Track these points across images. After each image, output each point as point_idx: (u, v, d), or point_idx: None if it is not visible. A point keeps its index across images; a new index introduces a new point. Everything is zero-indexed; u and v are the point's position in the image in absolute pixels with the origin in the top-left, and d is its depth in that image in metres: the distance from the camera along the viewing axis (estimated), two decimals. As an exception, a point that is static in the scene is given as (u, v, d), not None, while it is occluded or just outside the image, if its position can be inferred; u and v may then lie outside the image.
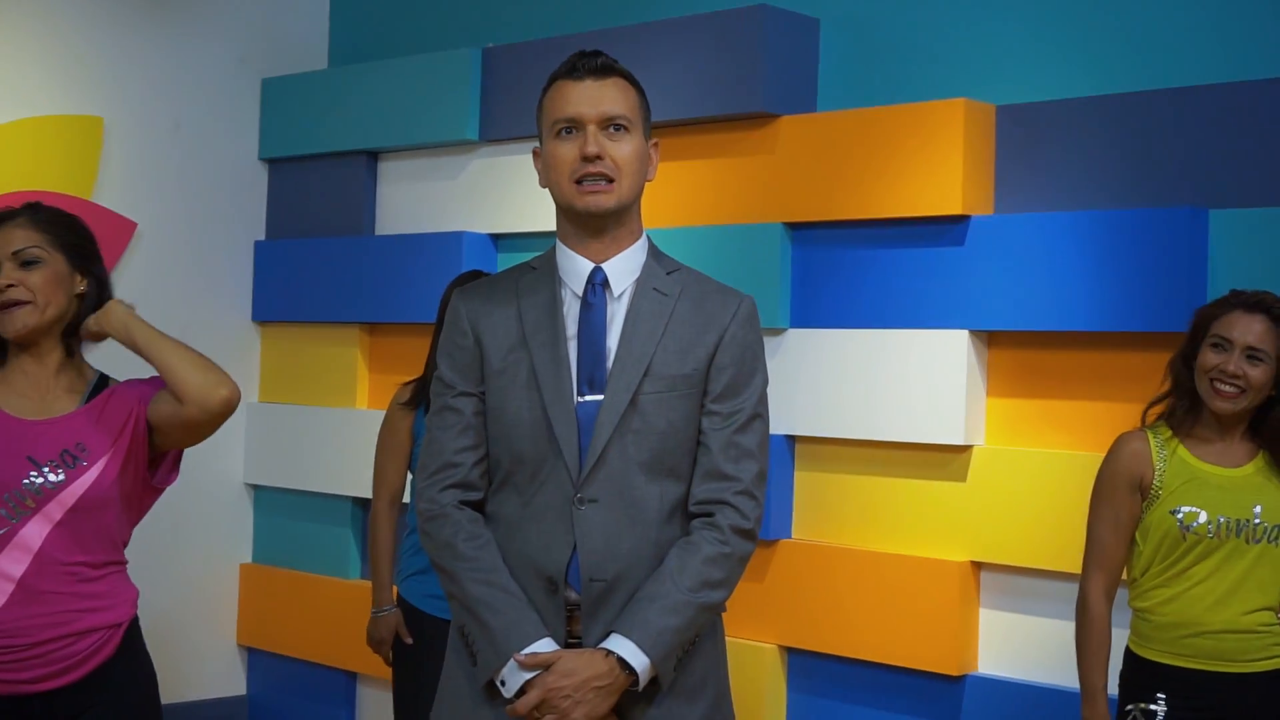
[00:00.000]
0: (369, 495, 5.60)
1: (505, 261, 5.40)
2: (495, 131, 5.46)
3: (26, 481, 2.66)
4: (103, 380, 2.83)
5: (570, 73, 2.45)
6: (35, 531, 2.66)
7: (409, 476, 4.11)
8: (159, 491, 2.89)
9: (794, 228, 4.70)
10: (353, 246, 5.91)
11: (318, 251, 6.04)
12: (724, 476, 2.43)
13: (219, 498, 6.23)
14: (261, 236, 6.36)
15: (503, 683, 2.38)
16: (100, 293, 2.79)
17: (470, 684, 2.46)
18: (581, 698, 2.32)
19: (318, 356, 6.11)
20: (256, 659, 6.29)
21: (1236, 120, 3.88)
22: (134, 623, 2.81)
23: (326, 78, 6.15)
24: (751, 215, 4.73)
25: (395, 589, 4.13)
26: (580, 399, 2.43)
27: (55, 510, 2.67)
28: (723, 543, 2.41)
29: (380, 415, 5.42)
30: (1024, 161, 4.33)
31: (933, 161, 4.37)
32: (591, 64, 2.44)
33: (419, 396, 4.04)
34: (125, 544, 2.84)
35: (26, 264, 2.67)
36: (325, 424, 5.95)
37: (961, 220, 4.33)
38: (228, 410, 2.82)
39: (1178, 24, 4.09)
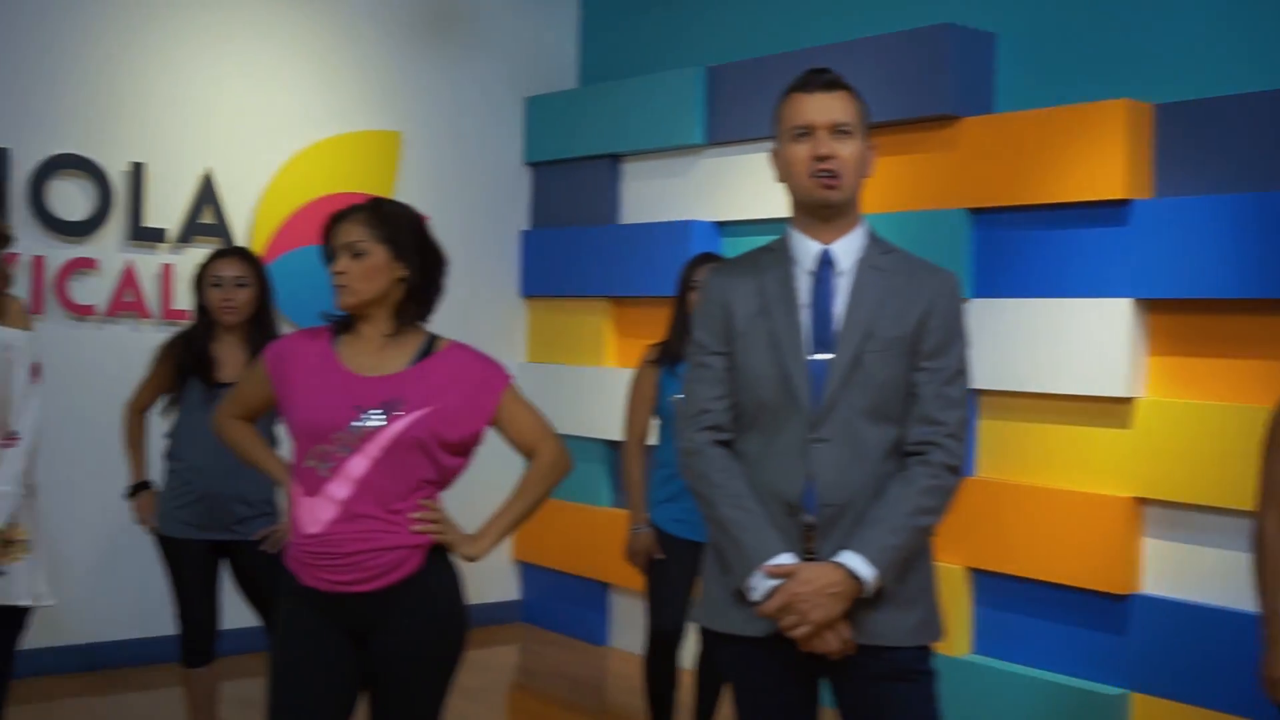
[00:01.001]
0: (617, 438, 5.77)
1: (727, 244, 5.49)
2: (718, 136, 5.52)
3: (354, 424, 2.66)
4: (431, 342, 2.79)
5: (803, 86, 2.48)
6: (358, 465, 2.67)
7: (654, 422, 4.19)
8: (460, 459, 2.79)
9: (975, 213, 4.71)
10: (601, 234, 6.01)
11: (572, 238, 6.17)
12: (934, 421, 2.43)
13: (498, 443, 6.32)
14: (526, 227, 6.51)
15: (750, 588, 2.40)
16: (423, 277, 2.75)
17: (723, 590, 2.49)
18: (818, 602, 2.34)
19: (573, 324, 6.24)
20: (528, 570, 6.48)
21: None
22: (437, 547, 2.75)
23: (578, 95, 6.28)
24: (938, 202, 4.76)
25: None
26: (811, 357, 2.44)
27: (373, 449, 2.67)
28: (934, 476, 2.42)
29: (625, 372, 5.53)
30: (1179, 151, 4.27)
31: (1098, 154, 4.34)
32: (821, 79, 2.47)
33: (663, 356, 4.12)
34: (440, 483, 2.77)
35: (355, 255, 2.67)
36: (580, 380, 6.07)
37: (1124, 204, 4.30)
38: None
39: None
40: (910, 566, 2.44)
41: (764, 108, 5.13)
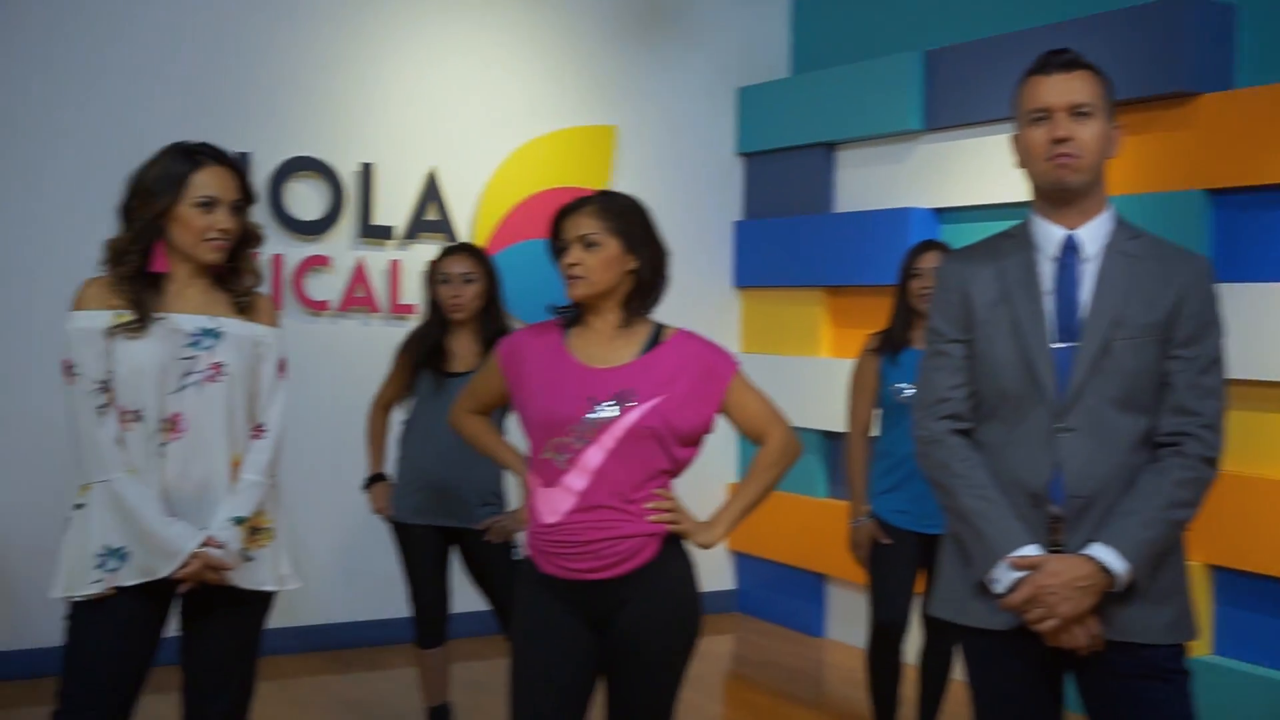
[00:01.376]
0: (832, 428, 5.72)
1: (946, 231, 5.35)
2: (936, 121, 5.40)
3: (589, 416, 2.68)
4: (658, 331, 2.80)
5: (1041, 69, 2.41)
6: (594, 456, 2.68)
7: (875, 412, 4.11)
8: (691, 449, 2.79)
9: (1214, 194, 4.48)
10: (815, 223, 5.95)
11: (786, 228, 6.12)
12: (1189, 412, 2.36)
13: (709, 437, 6.32)
14: (739, 217, 6.49)
15: (994, 581, 2.36)
16: (652, 269, 2.76)
17: (963, 582, 2.46)
18: (1067, 595, 2.29)
19: (788, 314, 6.19)
20: (744, 560, 6.47)
21: None
22: (671, 535, 2.76)
23: (791, 84, 6.22)
24: (1174, 184, 4.55)
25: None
26: (1056, 345, 2.39)
27: (608, 440, 2.68)
28: (1190, 469, 2.35)
29: (841, 362, 5.46)
30: None
31: None
32: (1058, 60, 2.40)
33: (884, 345, 4.05)
34: (673, 472, 2.77)
35: (588, 246, 2.69)
36: (795, 370, 6.01)
37: None
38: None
39: None
40: (1163, 562, 2.37)
41: (984, 91, 5.03)
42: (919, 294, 3.90)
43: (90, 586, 2.70)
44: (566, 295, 2.75)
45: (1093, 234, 2.42)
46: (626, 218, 2.73)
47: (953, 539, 2.50)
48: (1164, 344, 2.38)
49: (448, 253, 4.01)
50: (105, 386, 2.73)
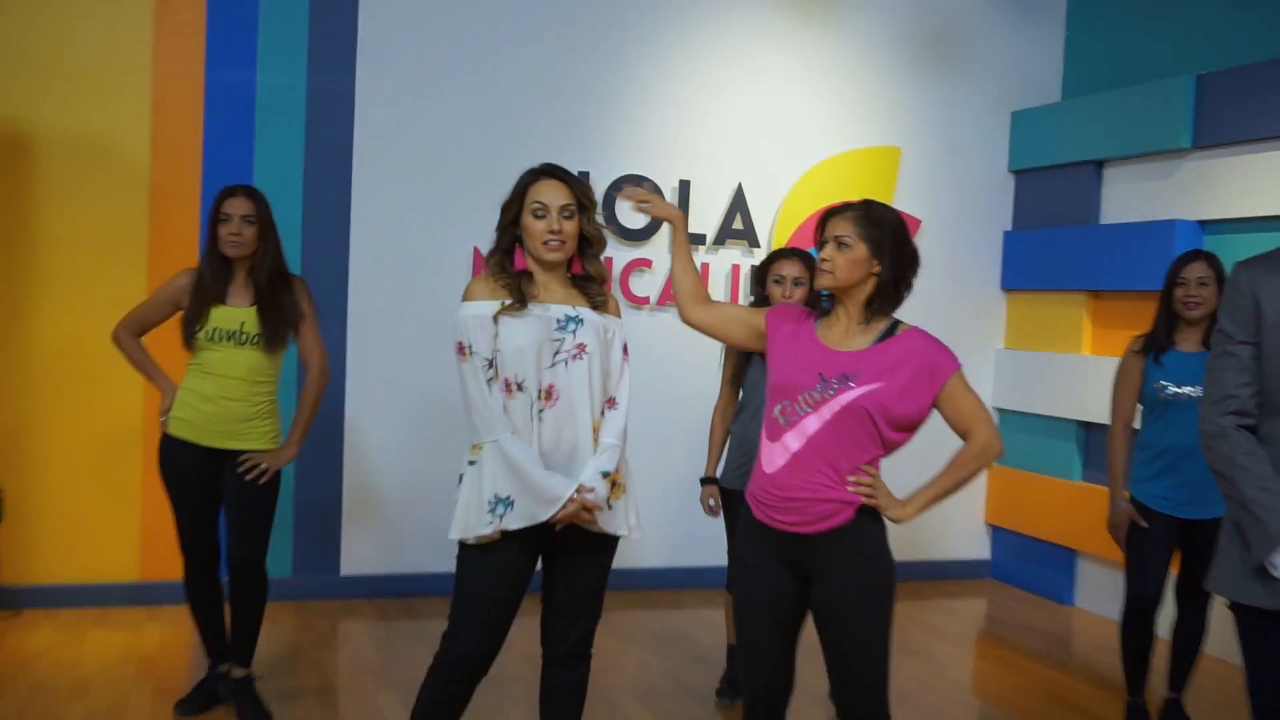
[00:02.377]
0: (1091, 419, 5.70)
1: (1210, 242, 5.21)
2: (1205, 139, 5.28)
3: (816, 388, 2.67)
4: (894, 326, 2.75)
5: None
6: (812, 423, 2.66)
7: (1139, 407, 4.12)
8: (904, 434, 2.72)
9: None
10: (1082, 233, 5.88)
11: (1053, 238, 6.07)
12: None
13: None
14: (1009, 228, 6.45)
15: (1273, 565, 2.28)
16: (894, 275, 2.71)
17: (1242, 564, 2.37)
18: None
19: (1051, 315, 6.13)
20: (999, 533, 6.45)
21: None
22: (866, 508, 2.70)
23: (1062, 108, 6.18)
24: None
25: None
26: None
27: (826, 412, 2.65)
28: None
29: (1102, 360, 5.44)
30: None
31: None
32: None
33: (1149, 347, 3.98)
34: (883, 452, 2.71)
35: (840, 245, 2.70)
36: (1057, 366, 5.98)
37: None
38: None
39: None
40: None
41: (1255, 111, 4.96)
42: (1183, 301, 3.85)
43: (484, 528, 2.78)
44: (815, 285, 2.82)
45: None
46: (879, 226, 2.71)
47: (1234, 525, 2.40)
48: None
49: (782, 256, 3.98)
50: (491, 363, 2.81)
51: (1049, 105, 6.25)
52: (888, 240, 2.70)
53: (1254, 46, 5.27)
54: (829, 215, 2.75)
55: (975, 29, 6.30)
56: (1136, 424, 4.06)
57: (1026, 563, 6.24)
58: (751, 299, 4.12)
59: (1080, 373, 5.78)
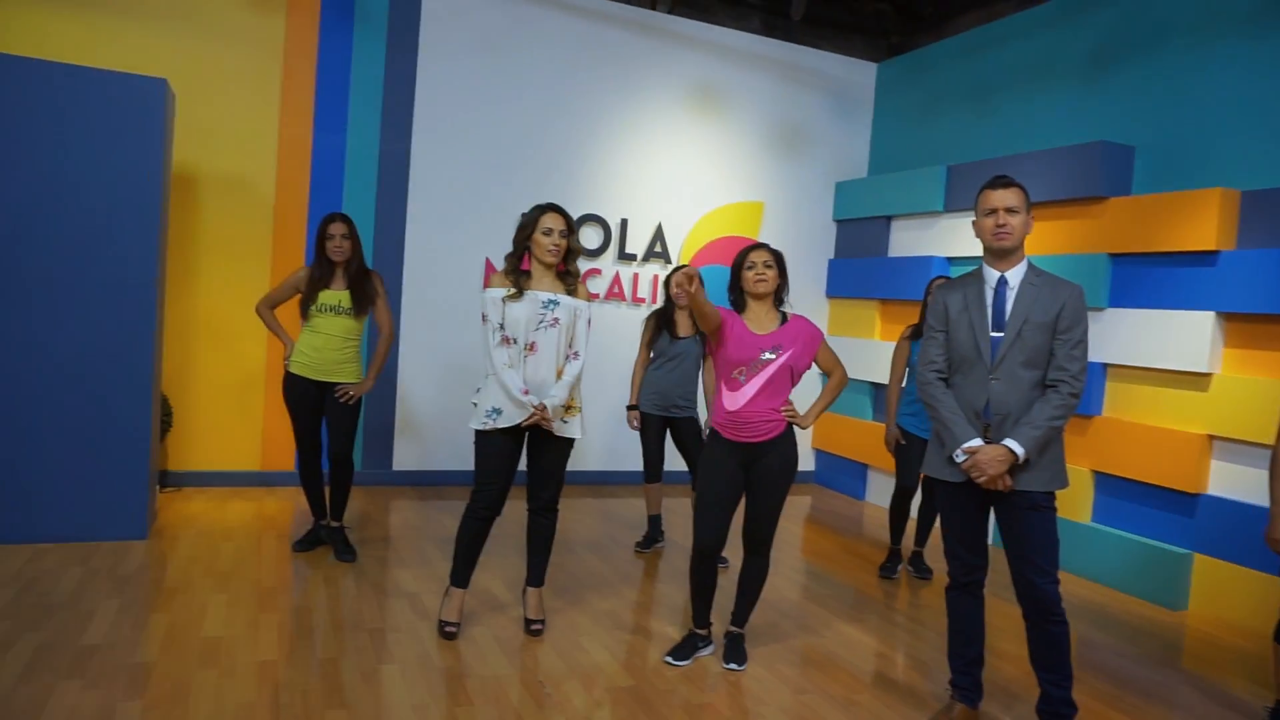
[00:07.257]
0: (878, 380, 5.45)
1: (955, 270, 5.14)
2: (953, 206, 5.13)
3: (762, 357, 2.73)
4: (784, 315, 2.82)
5: (991, 185, 2.38)
6: (761, 378, 2.72)
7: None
8: (798, 379, 2.80)
9: (1114, 257, 4.38)
10: (877, 263, 5.64)
11: (859, 265, 5.81)
12: (1063, 369, 2.35)
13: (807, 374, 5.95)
14: (832, 256, 6.18)
15: (955, 456, 2.42)
16: (784, 284, 2.76)
17: (940, 456, 2.49)
18: (992, 465, 2.35)
19: (857, 314, 5.89)
20: (820, 454, 6.18)
21: None
22: (790, 427, 2.79)
23: (867, 181, 5.87)
24: (1086, 248, 4.47)
25: None
26: (993, 334, 2.41)
27: (769, 370, 2.73)
28: (1062, 400, 2.35)
29: (886, 345, 5.21)
30: (1254, 221, 3.81)
31: (1185, 212, 3.95)
32: (1001, 180, 2.36)
33: (914, 334, 3.91)
34: (790, 391, 2.79)
35: (766, 267, 2.73)
36: (860, 347, 5.73)
37: (1214, 254, 3.95)
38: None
39: None
40: (1045, 449, 2.30)
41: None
42: (927, 305, 3.54)
43: (485, 424, 2.88)
44: (749, 292, 2.78)
45: (1015, 275, 2.43)
46: (779, 258, 2.78)
47: (935, 435, 2.52)
48: (1052, 332, 2.37)
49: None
50: (501, 327, 2.89)
51: (860, 179, 6.13)
52: (782, 265, 2.85)
53: (989, 145, 5.32)
54: (748, 250, 2.81)
55: (814, 125, 6.18)
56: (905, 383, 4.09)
57: (837, 472, 6.13)
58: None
59: (873, 351, 5.77)
